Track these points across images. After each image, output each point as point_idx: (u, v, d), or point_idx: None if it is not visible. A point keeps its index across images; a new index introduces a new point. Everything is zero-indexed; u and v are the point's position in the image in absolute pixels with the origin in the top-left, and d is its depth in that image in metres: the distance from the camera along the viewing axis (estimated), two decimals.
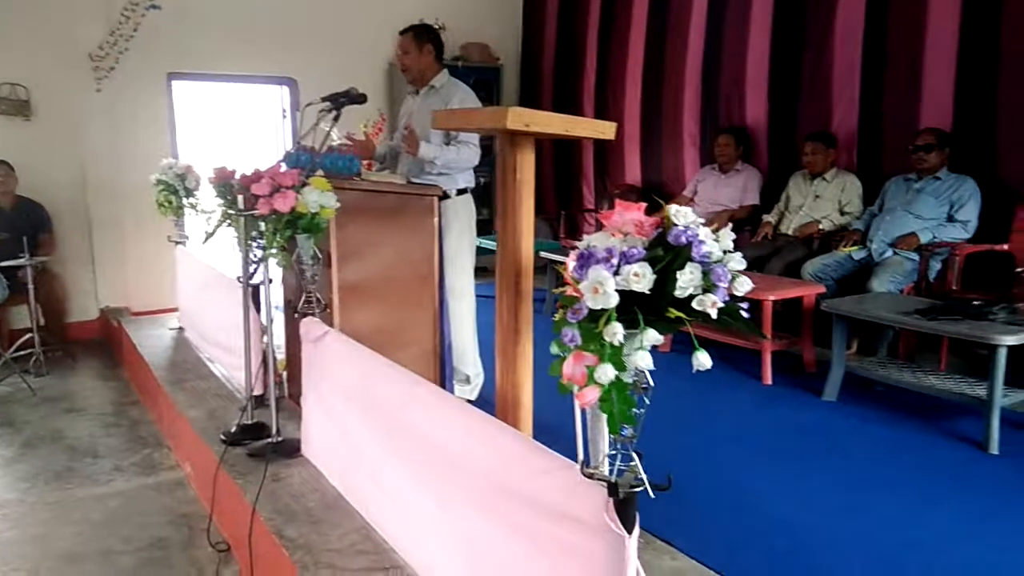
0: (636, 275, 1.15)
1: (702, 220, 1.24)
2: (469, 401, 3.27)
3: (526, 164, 1.89)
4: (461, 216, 3.27)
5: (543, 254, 4.95)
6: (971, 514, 2.25)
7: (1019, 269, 3.58)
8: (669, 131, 5.70)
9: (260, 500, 2.23)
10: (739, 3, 5.04)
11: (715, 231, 1.23)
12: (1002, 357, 2.66)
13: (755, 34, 4.96)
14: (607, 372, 1.14)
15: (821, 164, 4.38)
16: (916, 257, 3.72)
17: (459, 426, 1.79)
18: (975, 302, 2.96)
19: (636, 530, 1.31)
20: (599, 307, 1.14)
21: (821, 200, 4.40)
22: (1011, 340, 2.65)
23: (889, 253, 3.82)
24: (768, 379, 3.54)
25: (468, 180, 3.28)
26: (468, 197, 3.31)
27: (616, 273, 1.16)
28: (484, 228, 4.12)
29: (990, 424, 2.71)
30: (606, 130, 1.93)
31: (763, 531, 2.16)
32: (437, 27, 6.61)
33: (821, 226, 4.31)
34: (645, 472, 1.28)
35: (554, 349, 1.23)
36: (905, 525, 2.19)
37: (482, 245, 3.96)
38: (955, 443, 2.81)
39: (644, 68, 5.88)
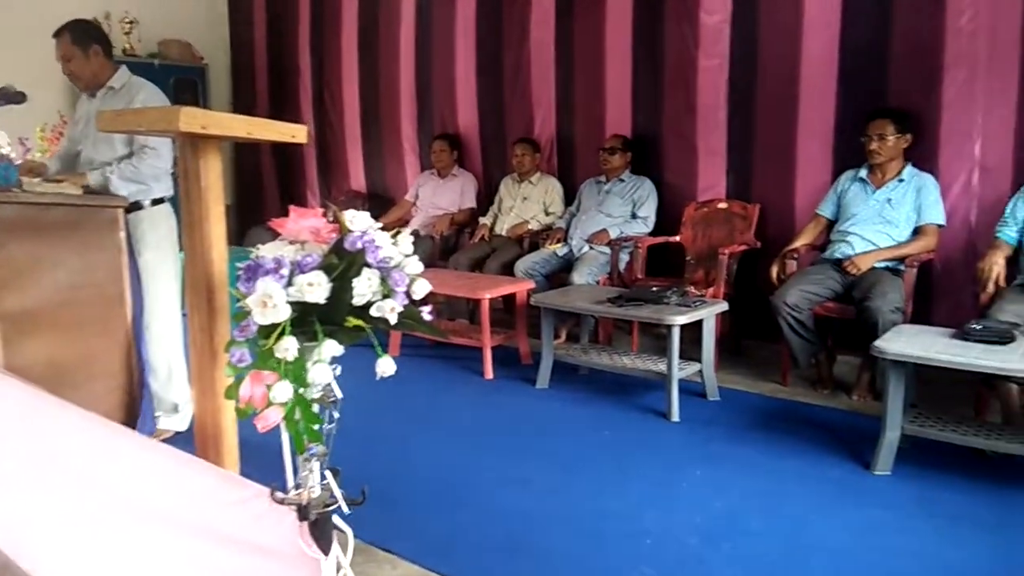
0: (311, 285, 1.10)
1: (379, 225, 1.23)
2: (179, 432, 2.99)
3: (211, 169, 1.75)
4: (159, 229, 2.96)
5: None
6: (656, 479, 2.53)
7: (688, 257, 4.16)
8: (389, 137, 5.73)
9: None
10: (444, 16, 5.22)
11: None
12: (676, 335, 3.05)
13: (461, 46, 5.17)
14: (284, 390, 1.08)
15: (528, 166, 4.69)
16: (608, 251, 4.14)
17: (142, 466, 1.59)
18: (654, 288, 3.36)
19: (346, 549, 1.27)
20: (270, 322, 1.07)
21: (529, 202, 4.72)
22: (682, 320, 3.04)
23: (586, 248, 4.21)
24: (489, 374, 3.70)
25: (166, 189, 2.98)
26: (166, 207, 3.00)
27: (289, 284, 1.11)
28: None
29: (670, 395, 3.09)
30: (297, 133, 1.85)
31: (482, 522, 2.24)
32: (128, 20, 5.96)
33: (530, 226, 4.62)
34: (367, 484, 1.25)
35: (228, 372, 1.14)
36: (603, 496, 2.40)
37: None
38: (645, 415, 3.16)
39: (360, 74, 5.84)
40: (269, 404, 1.11)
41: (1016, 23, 3.24)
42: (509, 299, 4.01)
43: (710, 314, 3.23)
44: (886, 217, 3.36)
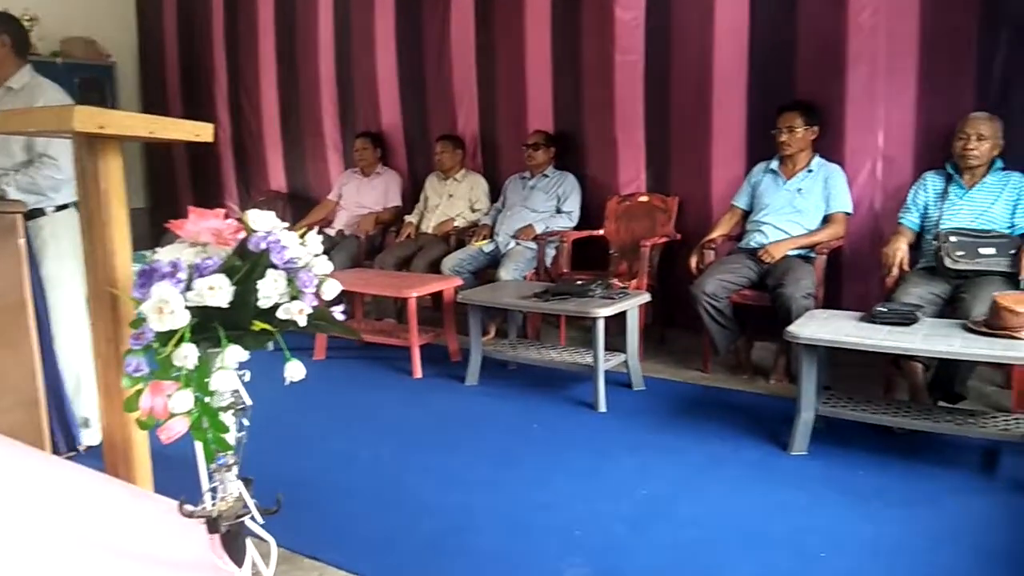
0: (211, 288, 1.06)
1: (285, 224, 1.20)
2: (91, 447, 2.86)
3: (111, 171, 1.68)
4: (62, 236, 2.82)
5: None
6: (584, 470, 2.56)
7: (612, 251, 4.22)
8: (310, 136, 5.61)
9: None
10: (363, 13, 5.15)
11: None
12: (600, 327, 3.09)
13: (381, 43, 5.11)
14: (184, 400, 1.04)
15: (450, 163, 4.68)
16: (534, 246, 4.16)
17: (45, 486, 1.51)
18: (579, 282, 3.40)
19: (268, 559, 1.24)
20: (167, 329, 1.03)
21: (454, 199, 4.71)
22: (606, 312, 3.08)
23: (513, 244, 4.22)
24: (418, 373, 3.67)
25: (70, 195, 2.84)
26: (71, 212, 2.86)
27: (188, 288, 1.07)
28: None
29: (597, 386, 3.13)
30: (202, 132, 1.79)
31: (411, 522, 2.22)
32: (27, 18, 5.65)
33: (456, 223, 4.60)
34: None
35: (125, 383, 1.09)
36: (533, 490, 2.41)
37: None
38: (573, 407, 3.19)
39: (278, 71, 5.70)
40: (172, 415, 1.07)
41: (914, 19, 3.41)
42: (437, 297, 3.99)
43: (633, 305, 3.28)
44: (797, 207, 3.49)
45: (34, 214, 2.71)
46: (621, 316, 3.25)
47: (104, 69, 6.18)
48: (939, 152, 3.29)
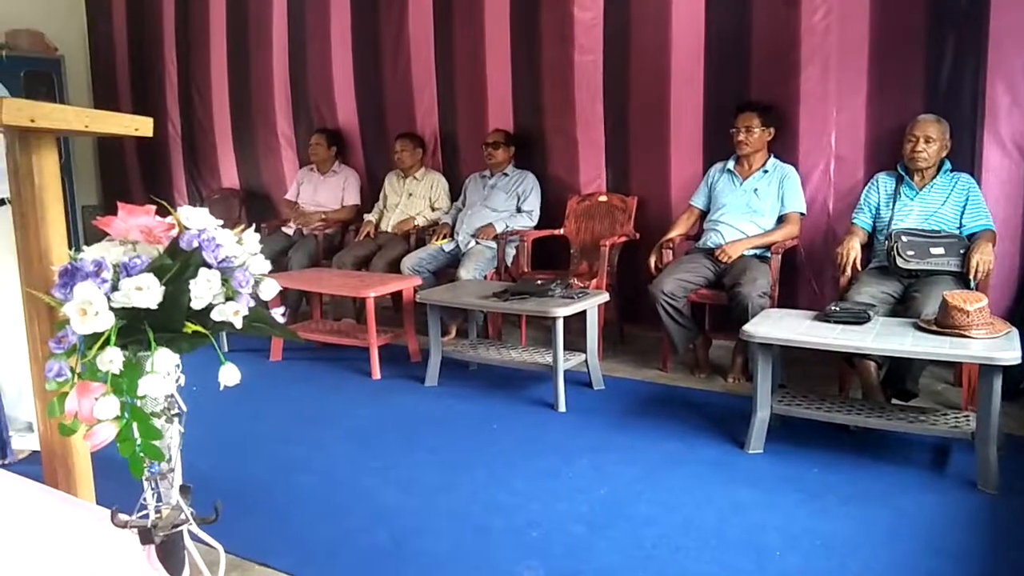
0: (139, 289, 1.01)
1: (220, 222, 1.15)
2: (36, 451, 2.75)
3: (46, 167, 1.62)
4: None
5: None
6: (544, 470, 2.54)
7: (573, 250, 4.21)
8: (263, 132, 5.51)
9: None
10: (318, 8, 5.07)
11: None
12: (560, 327, 3.07)
13: (336, 39, 5.03)
14: (110, 406, 0.99)
15: (410, 162, 4.62)
16: (495, 245, 4.13)
17: None
18: (539, 281, 3.37)
19: (216, 567, 1.19)
20: (91, 331, 0.98)
21: (414, 198, 4.66)
22: (565, 312, 3.06)
23: (473, 243, 4.18)
24: (377, 374, 3.62)
25: (5, 191, 2.73)
26: (6, 210, 2.75)
27: (115, 288, 1.01)
28: None
29: (557, 386, 3.11)
30: (141, 126, 1.72)
31: (366, 527, 2.17)
32: None
33: (416, 222, 4.55)
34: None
35: (49, 387, 1.03)
36: (491, 491, 2.38)
37: None
38: (533, 408, 3.17)
39: (230, 66, 5.59)
40: (98, 420, 1.02)
41: (864, 22, 3.45)
42: (397, 297, 3.94)
43: (593, 305, 3.27)
44: (753, 207, 3.51)
45: None
46: (581, 315, 3.23)
47: (51, 63, 5.99)
48: (890, 153, 3.34)
